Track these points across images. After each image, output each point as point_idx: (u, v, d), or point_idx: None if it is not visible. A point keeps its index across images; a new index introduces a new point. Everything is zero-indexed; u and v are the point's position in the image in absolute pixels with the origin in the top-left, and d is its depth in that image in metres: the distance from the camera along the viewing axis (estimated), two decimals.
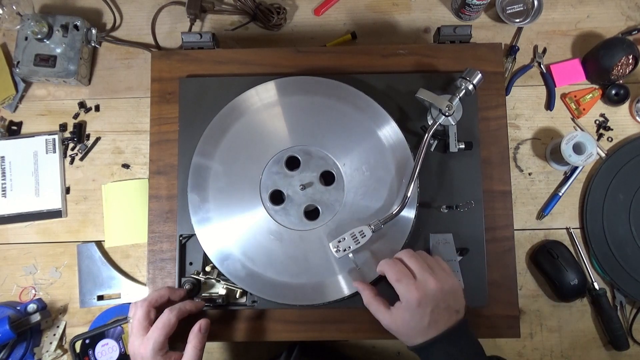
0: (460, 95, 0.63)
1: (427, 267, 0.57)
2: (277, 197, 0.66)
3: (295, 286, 0.63)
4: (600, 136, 0.82)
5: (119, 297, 0.78)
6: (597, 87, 0.82)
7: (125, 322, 0.75)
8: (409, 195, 0.61)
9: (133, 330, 0.58)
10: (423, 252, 0.60)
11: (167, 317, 0.57)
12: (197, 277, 0.65)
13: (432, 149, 0.66)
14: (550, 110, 0.82)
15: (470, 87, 0.63)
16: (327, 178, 0.66)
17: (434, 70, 0.70)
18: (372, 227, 0.60)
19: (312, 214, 0.65)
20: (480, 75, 0.63)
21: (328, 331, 0.66)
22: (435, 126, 0.63)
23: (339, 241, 0.60)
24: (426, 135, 0.62)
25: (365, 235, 0.60)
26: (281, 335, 0.66)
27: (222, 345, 0.78)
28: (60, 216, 0.80)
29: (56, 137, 0.82)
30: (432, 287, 0.55)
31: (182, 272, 0.66)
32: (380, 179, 0.64)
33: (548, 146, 0.81)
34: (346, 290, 0.63)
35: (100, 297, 0.78)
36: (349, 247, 0.60)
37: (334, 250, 0.60)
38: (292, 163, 0.66)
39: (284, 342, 0.76)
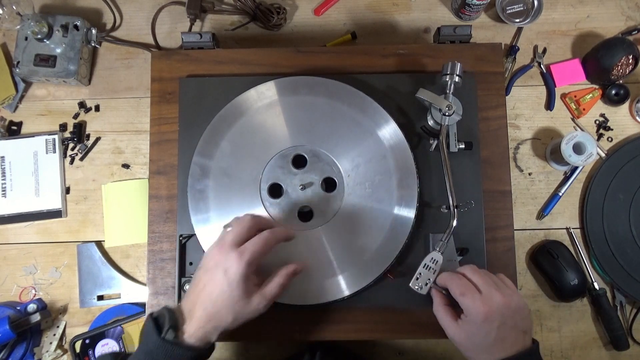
0: (452, 90, 0.63)
1: (492, 282, 0.55)
2: (275, 191, 0.65)
3: (295, 286, 0.63)
4: (600, 136, 0.82)
5: (119, 297, 0.78)
6: (597, 87, 0.82)
7: (125, 322, 0.76)
8: (454, 204, 0.61)
9: (225, 239, 0.54)
10: (485, 270, 0.59)
11: (271, 237, 0.54)
12: None
13: (432, 149, 0.66)
14: (550, 110, 0.82)
15: (457, 79, 0.63)
16: (329, 184, 0.66)
17: (433, 71, 0.70)
18: (440, 250, 0.60)
19: (305, 215, 0.65)
20: (459, 64, 0.63)
21: (328, 331, 0.66)
22: (447, 130, 0.63)
23: (417, 278, 0.59)
24: (442, 141, 0.62)
25: (437, 261, 0.59)
26: (281, 335, 0.66)
27: (221, 345, 0.78)
28: (60, 216, 0.80)
29: (56, 137, 0.82)
30: (498, 301, 0.52)
31: (182, 272, 0.66)
32: (381, 185, 0.64)
33: (548, 146, 0.81)
34: (346, 291, 0.63)
35: (100, 297, 0.78)
36: (429, 280, 0.59)
37: (417, 289, 0.59)
38: (298, 162, 0.66)
39: (284, 342, 0.77)
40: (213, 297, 0.52)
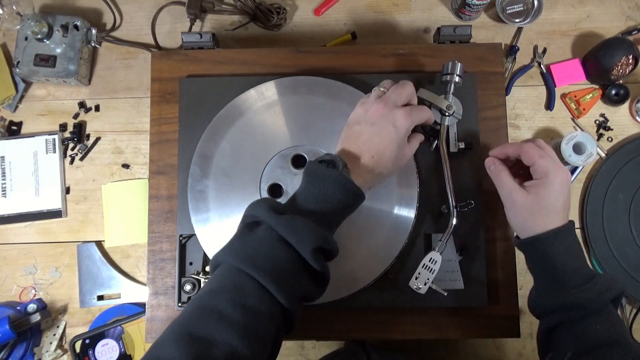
0: (452, 90, 0.64)
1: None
2: (276, 191, 0.65)
3: None
4: (600, 136, 0.82)
5: (119, 297, 0.78)
6: (597, 87, 0.82)
7: (125, 322, 0.76)
8: (454, 204, 0.61)
9: (389, 97, 0.58)
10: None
11: (426, 110, 0.60)
12: (197, 277, 0.65)
13: (432, 149, 0.66)
14: (550, 110, 0.82)
15: (457, 79, 0.63)
16: None
17: (433, 71, 0.70)
18: (439, 250, 0.60)
19: None
20: (459, 64, 0.63)
21: (328, 331, 0.66)
22: (445, 130, 0.64)
23: (416, 278, 0.60)
24: (442, 140, 0.63)
25: (436, 261, 0.60)
26: None
27: None
28: (60, 216, 0.80)
29: (56, 137, 0.82)
30: (568, 174, 0.56)
31: (182, 272, 0.66)
32: (381, 185, 0.64)
33: None
34: (346, 291, 0.63)
35: (100, 297, 0.78)
36: (428, 279, 0.59)
37: (415, 289, 0.59)
38: (298, 162, 0.66)
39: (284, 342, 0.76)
40: (381, 146, 0.56)
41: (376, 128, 0.56)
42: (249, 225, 0.51)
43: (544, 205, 0.55)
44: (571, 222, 0.56)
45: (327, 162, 0.54)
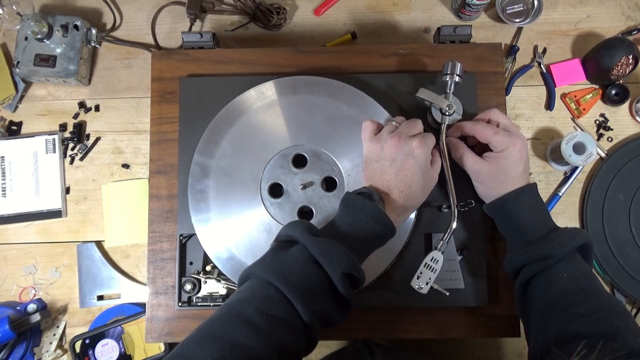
0: (452, 90, 0.64)
1: (510, 123, 0.62)
2: (276, 191, 0.65)
3: None
4: (600, 136, 0.82)
5: (119, 297, 0.78)
6: (597, 87, 0.82)
7: (125, 322, 0.76)
8: (455, 203, 0.62)
9: (402, 130, 0.59)
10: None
11: (433, 139, 0.61)
12: (197, 276, 0.65)
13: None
14: (550, 110, 0.82)
15: (457, 79, 0.64)
16: (330, 184, 0.66)
17: (433, 70, 0.71)
18: (440, 249, 0.60)
19: (306, 215, 0.65)
20: (459, 64, 0.63)
21: (328, 331, 0.66)
22: (445, 130, 0.64)
23: (417, 277, 0.60)
24: (442, 139, 0.63)
25: (438, 261, 0.59)
26: None
27: None
28: (60, 216, 0.80)
29: (56, 137, 0.82)
30: (524, 138, 0.61)
31: (182, 272, 0.66)
32: None
33: (548, 146, 0.81)
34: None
35: (100, 297, 0.78)
36: (430, 279, 0.59)
37: (417, 288, 0.59)
38: (298, 162, 0.66)
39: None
40: (407, 180, 0.57)
41: (398, 164, 0.57)
42: (283, 243, 0.53)
43: (506, 173, 0.59)
44: (533, 184, 0.60)
45: (364, 194, 0.56)
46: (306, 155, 0.65)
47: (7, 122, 0.83)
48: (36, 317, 0.74)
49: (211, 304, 0.65)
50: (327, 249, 0.50)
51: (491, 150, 0.61)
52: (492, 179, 0.60)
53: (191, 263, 0.67)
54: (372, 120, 0.62)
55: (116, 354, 0.75)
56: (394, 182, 0.57)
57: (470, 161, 0.61)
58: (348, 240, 0.53)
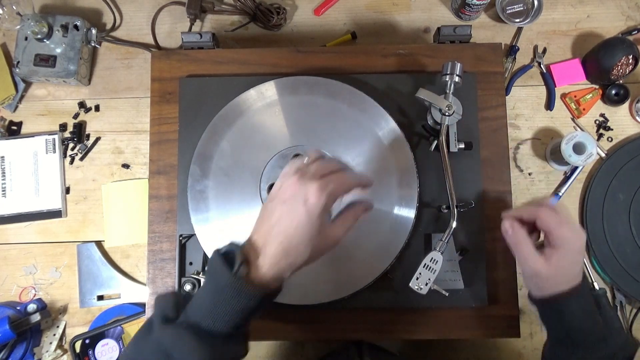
0: (452, 90, 0.63)
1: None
2: None
3: (295, 286, 0.63)
4: (600, 136, 0.82)
5: (119, 297, 0.78)
6: (597, 87, 0.82)
7: (125, 322, 0.76)
8: (455, 204, 0.61)
9: (306, 170, 0.49)
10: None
11: (353, 177, 0.51)
12: (197, 277, 0.65)
13: (431, 149, 0.66)
14: (550, 110, 0.82)
15: (457, 79, 0.63)
16: None
17: (434, 71, 0.70)
18: (440, 249, 0.59)
19: None
20: (459, 64, 0.63)
21: (328, 331, 0.66)
22: (445, 130, 0.63)
23: (417, 278, 0.59)
24: (442, 140, 0.62)
25: (437, 261, 0.59)
26: (280, 335, 0.66)
27: None
28: (60, 216, 0.80)
29: (56, 137, 0.82)
30: (584, 233, 0.55)
31: (182, 272, 0.66)
32: (381, 185, 0.64)
33: (548, 146, 0.81)
34: (346, 291, 0.63)
35: (100, 297, 0.78)
36: (429, 280, 0.59)
37: (416, 289, 0.59)
38: None
39: (283, 341, 0.77)
40: (290, 230, 0.47)
41: (286, 207, 0.47)
42: (148, 326, 0.48)
43: (564, 273, 0.55)
44: (585, 281, 0.56)
45: (227, 254, 0.48)
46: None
47: (7, 122, 0.83)
48: (36, 317, 0.74)
49: None
50: (178, 342, 0.45)
51: (538, 235, 0.57)
52: (547, 280, 0.55)
53: (191, 263, 0.67)
54: (317, 150, 0.53)
55: (116, 354, 0.75)
56: (277, 230, 0.47)
57: (529, 258, 0.55)
58: (207, 322, 0.46)
